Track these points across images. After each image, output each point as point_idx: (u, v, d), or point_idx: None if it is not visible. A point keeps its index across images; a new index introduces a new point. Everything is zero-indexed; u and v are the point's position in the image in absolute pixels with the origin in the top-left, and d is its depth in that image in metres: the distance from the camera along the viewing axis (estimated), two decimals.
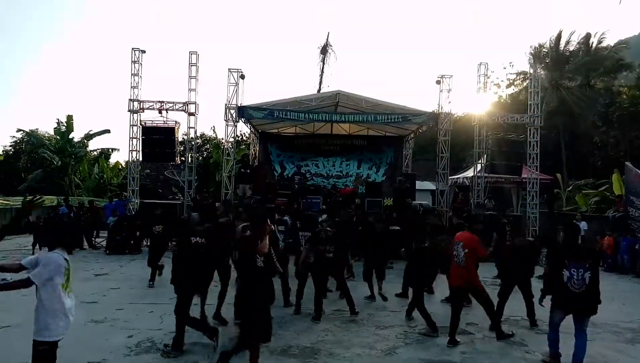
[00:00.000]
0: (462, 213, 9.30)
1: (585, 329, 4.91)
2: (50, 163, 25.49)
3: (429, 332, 6.07)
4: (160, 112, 15.03)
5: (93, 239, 15.08)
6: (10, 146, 32.49)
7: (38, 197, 4.02)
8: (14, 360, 4.79)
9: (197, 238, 5.48)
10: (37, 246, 12.99)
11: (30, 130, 28.71)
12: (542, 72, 28.25)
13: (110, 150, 29.15)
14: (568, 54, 30.51)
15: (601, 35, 29.80)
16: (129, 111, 15.01)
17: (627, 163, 15.26)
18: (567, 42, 30.48)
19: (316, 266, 6.77)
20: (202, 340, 5.62)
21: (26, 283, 3.48)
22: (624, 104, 26.44)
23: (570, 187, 23.51)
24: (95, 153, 29.19)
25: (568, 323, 5.00)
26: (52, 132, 27.41)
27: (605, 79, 30.27)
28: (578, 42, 30.26)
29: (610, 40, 30.82)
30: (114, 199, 16.78)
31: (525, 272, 6.64)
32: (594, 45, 29.80)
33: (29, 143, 29.15)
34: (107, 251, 13.45)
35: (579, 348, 4.86)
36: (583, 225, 14.68)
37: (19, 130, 28.52)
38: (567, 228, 5.30)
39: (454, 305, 5.92)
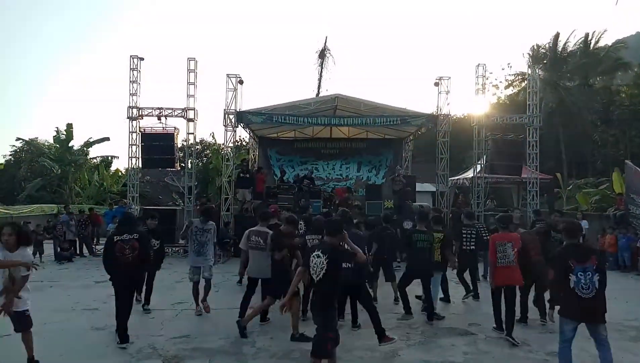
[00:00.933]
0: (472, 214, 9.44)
1: (606, 336, 4.38)
2: (50, 171, 25.49)
3: (405, 317, 6.60)
4: (159, 118, 15.02)
5: (93, 246, 15.06)
6: (10, 155, 32.57)
7: None
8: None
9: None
10: (37, 254, 12.99)
11: (29, 139, 28.77)
12: (541, 72, 28.31)
13: (110, 158, 29.19)
14: (566, 54, 30.61)
15: (599, 35, 29.91)
16: (127, 118, 15.00)
17: (627, 161, 15.28)
18: (566, 43, 30.61)
19: None
20: (203, 346, 5.60)
21: None
22: (623, 103, 26.47)
23: (571, 186, 23.48)
24: (95, 160, 29.22)
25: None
26: (51, 141, 27.44)
27: (604, 78, 30.32)
28: (576, 43, 30.37)
29: (608, 40, 30.91)
30: (114, 206, 16.74)
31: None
32: (592, 45, 29.89)
33: (29, 152, 29.18)
34: None
35: (606, 360, 4.37)
36: (584, 224, 14.64)
37: (18, 139, 28.59)
38: (569, 228, 4.72)
39: (498, 303, 6.18)
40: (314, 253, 4.32)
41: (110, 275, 5.73)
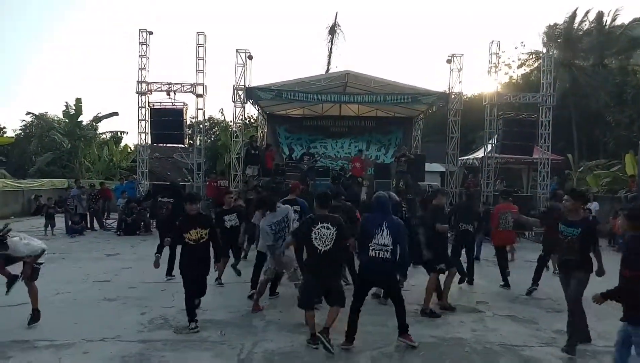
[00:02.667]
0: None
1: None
2: (60, 145, 25.64)
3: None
4: (168, 93, 14.98)
5: (104, 220, 15.23)
6: (20, 129, 32.77)
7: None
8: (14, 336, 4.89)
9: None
10: (49, 228, 13.18)
11: (39, 113, 28.86)
12: (555, 51, 27.72)
13: (119, 133, 29.28)
14: (581, 33, 29.85)
15: (615, 13, 29.08)
16: (137, 92, 14.98)
17: None
18: (582, 21, 29.81)
19: None
20: (214, 318, 5.68)
21: None
22: (638, 83, 25.87)
23: (582, 168, 23.22)
24: (104, 136, 29.31)
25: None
26: (61, 116, 27.52)
27: (620, 58, 29.59)
28: (591, 21, 29.58)
29: (624, 19, 30.06)
30: (125, 181, 16.86)
31: None
32: (607, 23, 29.10)
33: (39, 126, 29.32)
34: (118, 233, 13.59)
35: None
36: (595, 206, 14.54)
37: (28, 113, 28.67)
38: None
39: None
40: (318, 226, 4.78)
41: None
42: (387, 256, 4.71)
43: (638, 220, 3.79)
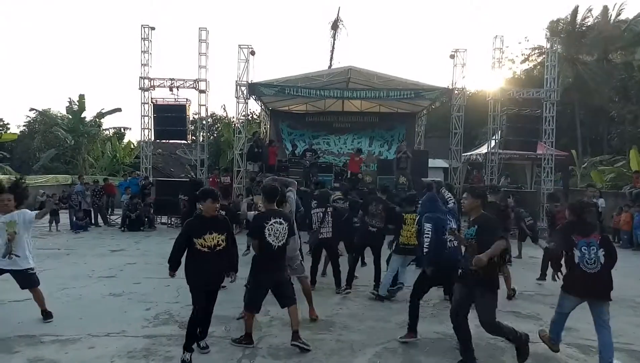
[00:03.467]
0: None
1: (608, 320, 4.24)
2: (64, 141, 25.71)
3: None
4: (170, 89, 15.00)
5: (108, 216, 15.28)
6: (24, 125, 32.85)
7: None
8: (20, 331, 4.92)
9: None
10: (54, 223, 13.24)
11: (42, 109, 28.92)
12: (559, 46, 27.56)
13: (123, 129, 29.36)
14: (585, 28, 29.70)
15: (620, 8, 28.91)
16: (139, 88, 15.00)
17: None
18: (585, 16, 29.66)
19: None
20: (219, 313, 5.69)
21: None
22: None
23: (585, 164, 23.15)
24: (107, 132, 29.35)
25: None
26: (64, 112, 27.59)
27: (624, 53, 29.42)
28: (595, 16, 29.43)
29: (629, 13, 29.91)
30: (128, 178, 16.91)
31: None
32: (612, 18, 28.93)
33: (42, 123, 29.39)
34: (122, 229, 13.64)
35: (606, 347, 4.22)
36: (601, 202, 14.49)
37: (31, 109, 28.73)
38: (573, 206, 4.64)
39: None
40: (271, 221, 4.60)
41: None
42: (456, 244, 5.00)
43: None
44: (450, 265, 4.81)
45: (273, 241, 4.58)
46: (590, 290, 4.22)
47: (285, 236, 4.67)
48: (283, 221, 4.67)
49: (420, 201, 5.89)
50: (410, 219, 6.32)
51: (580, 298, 4.33)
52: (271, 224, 4.59)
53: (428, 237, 4.90)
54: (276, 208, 4.85)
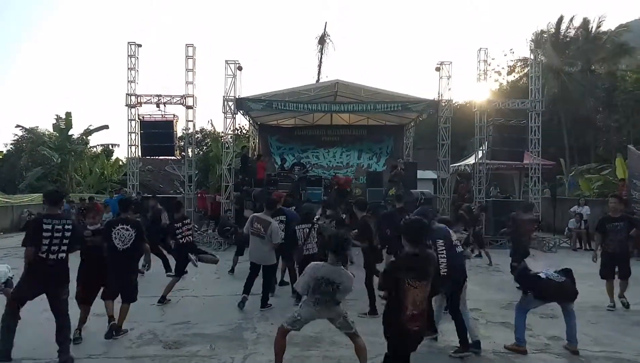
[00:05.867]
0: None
1: (572, 309, 5.08)
2: (50, 160, 25.43)
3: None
4: (158, 106, 14.90)
5: None
6: (11, 144, 32.48)
7: None
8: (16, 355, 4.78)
9: None
10: None
11: (30, 127, 28.66)
12: (543, 58, 28.01)
13: (111, 145, 29.12)
14: (568, 39, 30.26)
15: (600, 20, 29.53)
16: (126, 105, 14.90)
17: (630, 146, 15.13)
18: (568, 28, 30.24)
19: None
20: (204, 332, 5.59)
21: None
22: (627, 88, 26.18)
23: (573, 172, 23.38)
24: (95, 149, 29.09)
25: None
26: (51, 130, 27.33)
27: (607, 64, 29.97)
28: (577, 28, 30.01)
29: (610, 25, 30.56)
30: (115, 195, 16.72)
31: None
32: (592, 30, 29.53)
33: (29, 141, 29.09)
34: None
35: (572, 328, 5.05)
36: (586, 210, 14.60)
37: (17, 126, 28.43)
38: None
39: None
40: (119, 226, 5.43)
41: None
42: (461, 250, 5.26)
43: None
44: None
45: (118, 244, 5.37)
46: (559, 295, 5.05)
47: (131, 241, 5.43)
48: (130, 228, 5.44)
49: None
50: None
51: (548, 301, 5.20)
52: (118, 229, 5.43)
53: (443, 256, 4.82)
54: (128, 216, 5.68)
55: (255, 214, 6.78)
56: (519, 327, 5.08)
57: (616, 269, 6.94)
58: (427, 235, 4.07)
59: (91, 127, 26.93)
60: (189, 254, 7.06)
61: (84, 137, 27.17)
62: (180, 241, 7.09)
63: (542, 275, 5.03)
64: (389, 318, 3.68)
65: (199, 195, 15.36)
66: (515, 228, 8.58)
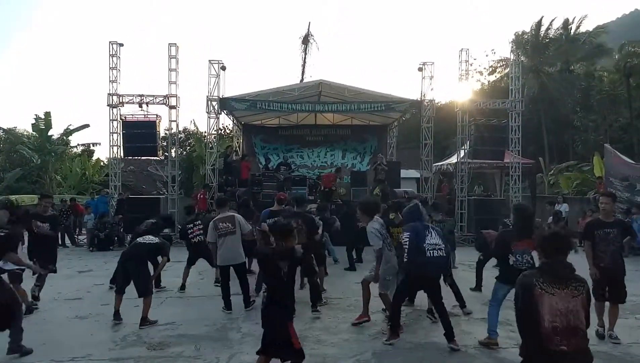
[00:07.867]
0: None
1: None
2: (30, 161, 24.94)
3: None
4: (140, 106, 14.74)
5: (75, 236, 14.86)
6: None
7: None
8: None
9: None
10: (20, 245, 12.74)
11: (8, 128, 28.07)
12: (523, 58, 28.51)
13: (92, 145, 28.71)
14: (548, 40, 30.86)
15: (579, 20, 30.20)
16: (108, 105, 14.71)
17: (607, 145, 15.54)
18: (547, 29, 30.83)
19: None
20: (189, 332, 5.59)
21: None
22: (603, 88, 26.84)
23: (552, 171, 23.86)
24: (76, 149, 28.62)
25: None
26: (30, 130, 26.80)
27: (585, 64, 30.66)
28: (557, 28, 30.62)
29: (589, 26, 31.24)
30: (96, 196, 16.51)
31: None
32: (572, 30, 30.17)
33: (7, 141, 28.49)
34: (91, 249, 13.27)
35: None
36: (564, 207, 14.94)
37: None
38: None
39: None
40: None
41: None
42: (442, 254, 5.07)
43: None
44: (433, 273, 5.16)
45: None
46: None
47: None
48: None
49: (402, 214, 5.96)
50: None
51: (511, 285, 4.94)
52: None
53: (407, 245, 5.06)
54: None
55: (214, 219, 6.74)
56: (491, 320, 5.22)
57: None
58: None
59: (71, 127, 26.43)
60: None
61: (65, 137, 26.69)
62: (192, 241, 7.89)
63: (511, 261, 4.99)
64: None
65: (200, 196, 14.99)
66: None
